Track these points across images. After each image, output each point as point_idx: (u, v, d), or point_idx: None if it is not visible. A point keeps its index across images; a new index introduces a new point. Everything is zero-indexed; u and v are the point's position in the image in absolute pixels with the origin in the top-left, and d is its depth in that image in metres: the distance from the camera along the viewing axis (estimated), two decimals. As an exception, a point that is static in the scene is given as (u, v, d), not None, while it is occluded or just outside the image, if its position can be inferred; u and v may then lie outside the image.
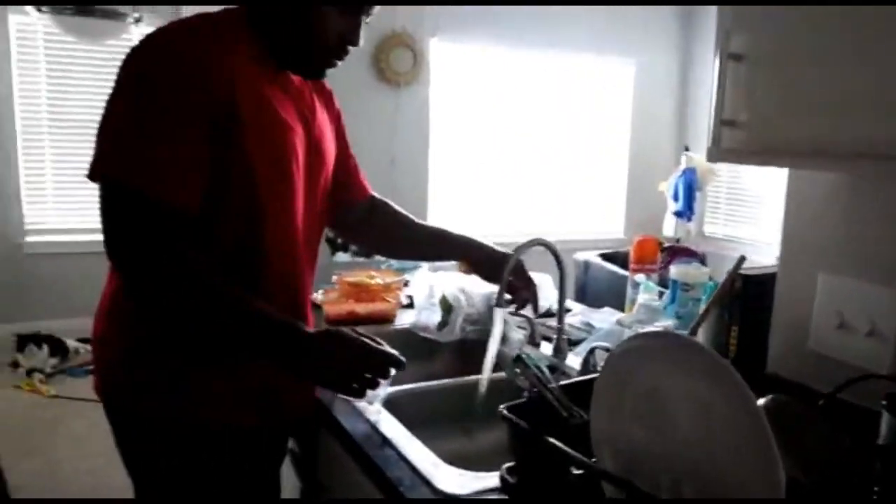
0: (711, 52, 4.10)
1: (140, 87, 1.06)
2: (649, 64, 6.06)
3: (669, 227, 5.77)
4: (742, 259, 1.31)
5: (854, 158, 0.93)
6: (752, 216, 5.88)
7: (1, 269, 4.63)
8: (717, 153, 1.03)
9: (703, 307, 1.69)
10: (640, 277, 1.82)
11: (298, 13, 1.14)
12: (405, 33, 5.04)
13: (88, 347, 4.41)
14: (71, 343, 4.54)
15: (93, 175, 1.08)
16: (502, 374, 1.48)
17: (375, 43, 4.98)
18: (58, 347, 4.48)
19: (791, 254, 1.35)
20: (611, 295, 2.67)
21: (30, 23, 4.35)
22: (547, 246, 1.55)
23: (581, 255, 4.59)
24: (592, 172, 6.19)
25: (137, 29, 3.78)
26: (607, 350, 1.70)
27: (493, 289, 2.09)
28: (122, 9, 3.55)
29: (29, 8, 3.48)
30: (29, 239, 4.76)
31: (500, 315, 1.42)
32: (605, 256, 4.52)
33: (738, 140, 1.02)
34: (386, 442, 1.24)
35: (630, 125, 6.13)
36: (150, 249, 1.05)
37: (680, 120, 6.34)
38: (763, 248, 5.63)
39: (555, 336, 1.71)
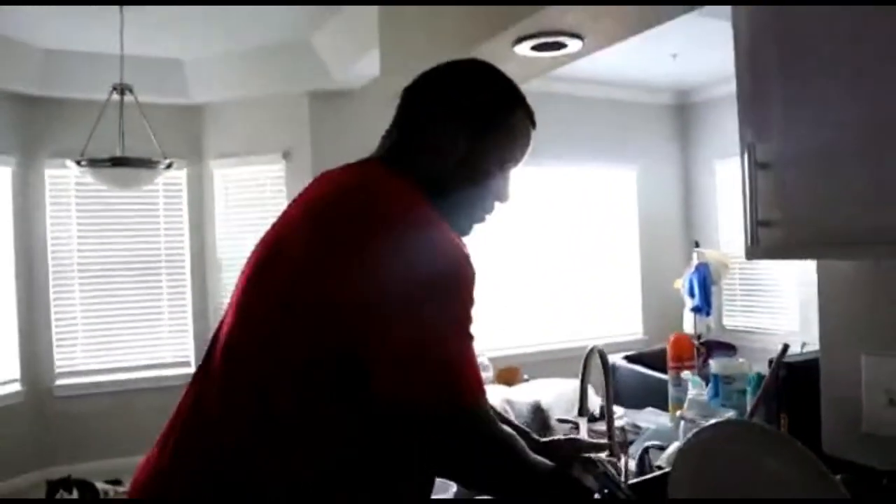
0: (708, 151, 4.28)
1: (460, 293, 0.98)
2: (650, 168, 6.30)
3: (689, 324, 5.78)
4: (786, 347, 1.37)
5: (882, 245, 1.02)
6: (769, 306, 5.91)
7: (32, 416, 4.65)
8: (757, 251, 1.12)
9: (749, 397, 1.74)
10: (686, 374, 1.87)
11: (474, 180, 1.12)
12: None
13: (119, 489, 4.37)
14: (100, 486, 4.49)
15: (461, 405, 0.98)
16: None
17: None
18: (86, 490, 4.43)
19: (831, 338, 1.41)
20: (643, 395, 2.69)
21: (63, 174, 4.61)
22: (600, 353, 1.61)
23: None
24: (607, 277, 6.29)
25: (167, 172, 4.01)
26: (661, 448, 1.73)
27: (536, 398, 2.15)
28: (154, 157, 3.78)
29: (69, 162, 3.70)
30: (59, 382, 4.82)
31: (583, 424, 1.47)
32: (630, 358, 4.56)
33: (774, 238, 1.11)
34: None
35: (638, 228, 6.29)
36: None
37: (686, 218, 6.51)
38: (784, 337, 5.63)
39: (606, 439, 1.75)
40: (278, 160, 4.91)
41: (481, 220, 1.19)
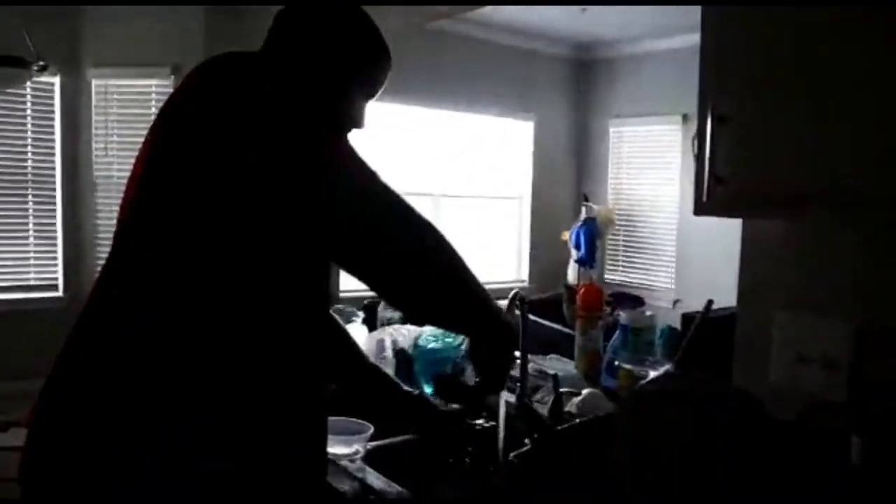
0: (604, 110, 4.38)
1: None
2: (547, 120, 6.38)
3: (572, 275, 6.00)
4: (710, 303, 1.42)
5: (826, 205, 1.06)
6: (648, 263, 6.22)
7: None
8: (709, 207, 1.13)
9: (659, 349, 1.80)
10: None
11: (330, 91, 1.20)
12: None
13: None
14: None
15: None
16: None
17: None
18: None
19: (748, 294, 1.47)
20: (535, 343, 2.74)
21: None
22: (520, 299, 1.60)
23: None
24: (497, 225, 6.38)
25: (38, 77, 3.61)
26: (573, 394, 1.77)
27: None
28: (27, 57, 3.39)
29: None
30: None
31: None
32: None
33: (724, 195, 1.12)
34: (374, 493, 1.25)
35: (531, 179, 6.39)
36: None
37: (578, 172, 6.68)
38: (661, 293, 5.97)
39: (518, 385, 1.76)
40: (167, 75, 4.55)
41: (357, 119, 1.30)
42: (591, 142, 6.59)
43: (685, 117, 5.64)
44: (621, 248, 6.42)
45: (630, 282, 6.27)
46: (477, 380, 1.18)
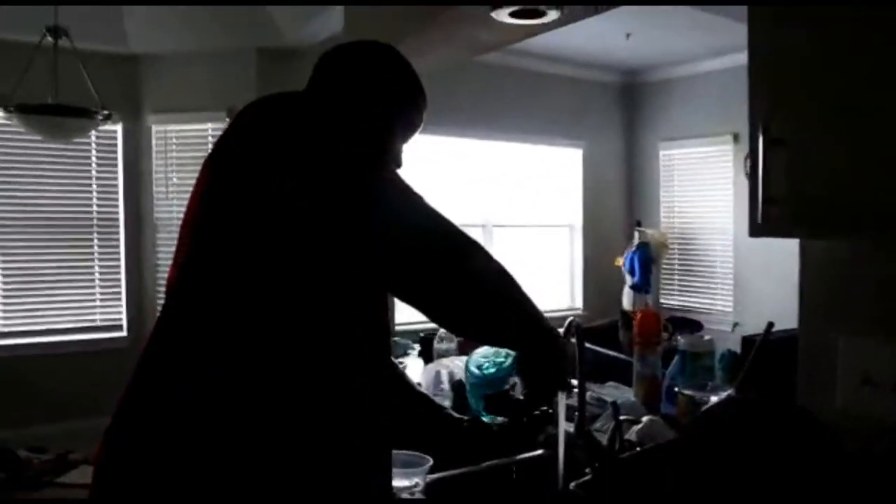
0: (653, 132, 4.36)
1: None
2: (596, 146, 6.36)
3: (627, 301, 5.92)
4: (771, 325, 1.38)
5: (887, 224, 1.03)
6: (704, 287, 6.09)
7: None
8: (762, 229, 1.11)
9: (718, 373, 1.76)
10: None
11: (372, 127, 1.22)
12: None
13: (42, 457, 4.17)
14: (23, 454, 4.27)
15: None
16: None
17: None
18: (7, 458, 4.21)
19: (810, 317, 1.43)
20: (593, 369, 2.70)
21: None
22: (576, 326, 1.60)
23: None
24: (550, 253, 6.36)
25: (102, 125, 3.78)
26: (633, 422, 1.74)
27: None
28: (92, 106, 3.55)
29: (-6, 108, 3.43)
30: (-21, 343, 4.55)
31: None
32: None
33: (777, 216, 1.10)
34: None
35: (581, 206, 6.35)
36: None
37: (629, 197, 6.62)
38: (718, 316, 5.83)
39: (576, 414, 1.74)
40: (222, 118, 4.71)
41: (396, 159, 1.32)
42: (642, 166, 6.53)
43: (736, 137, 5.55)
44: (676, 271, 6.30)
45: (687, 306, 6.14)
46: (525, 392, 1.19)
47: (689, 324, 5.46)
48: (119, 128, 4.78)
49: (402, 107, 1.33)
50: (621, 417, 1.77)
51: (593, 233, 6.35)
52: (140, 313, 4.88)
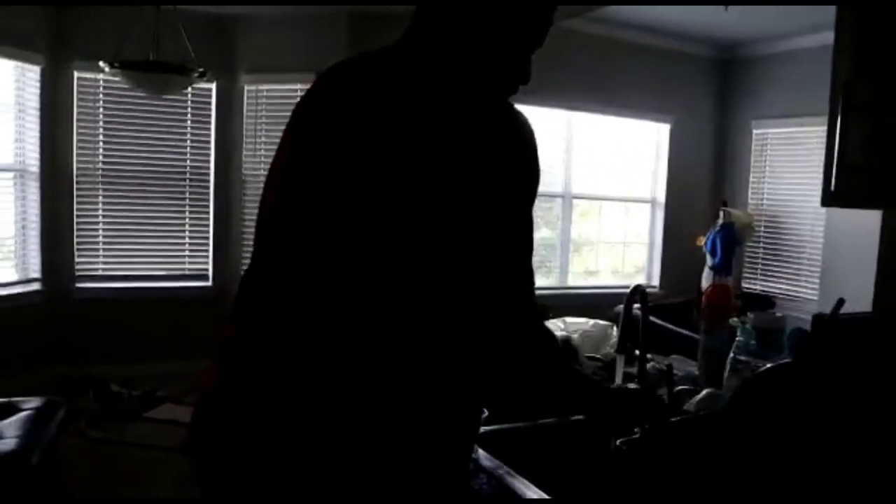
0: (747, 110, 4.21)
1: None
2: (685, 122, 6.17)
3: (707, 282, 5.77)
4: (841, 301, 1.35)
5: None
6: (790, 272, 5.86)
7: (51, 316, 4.72)
8: (836, 198, 1.08)
9: (785, 351, 1.72)
10: (735, 321, 1.85)
11: (483, 55, 1.07)
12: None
13: (133, 392, 4.46)
14: (114, 388, 4.58)
15: None
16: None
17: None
18: (102, 389, 4.52)
19: (886, 290, 1.38)
20: (657, 346, 2.66)
21: (93, 76, 4.56)
22: (642, 292, 1.59)
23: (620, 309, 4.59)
24: (630, 228, 6.27)
25: (197, 83, 3.95)
26: (690, 392, 1.73)
27: (565, 334, 2.15)
28: (189, 64, 3.72)
29: (101, 63, 3.65)
30: (79, 285, 4.87)
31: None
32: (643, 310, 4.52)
33: (857, 184, 1.07)
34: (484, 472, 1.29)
35: (665, 182, 6.20)
36: None
37: (716, 175, 6.41)
38: (802, 304, 5.61)
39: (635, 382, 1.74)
40: (311, 79, 4.82)
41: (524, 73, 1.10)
42: (732, 143, 6.30)
43: (836, 117, 5.28)
44: (761, 255, 6.09)
45: (770, 291, 5.92)
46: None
47: (761, 300, 5.28)
48: (213, 86, 4.98)
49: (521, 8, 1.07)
50: (680, 387, 1.77)
51: (677, 210, 6.20)
52: (225, 265, 5.10)
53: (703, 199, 6.29)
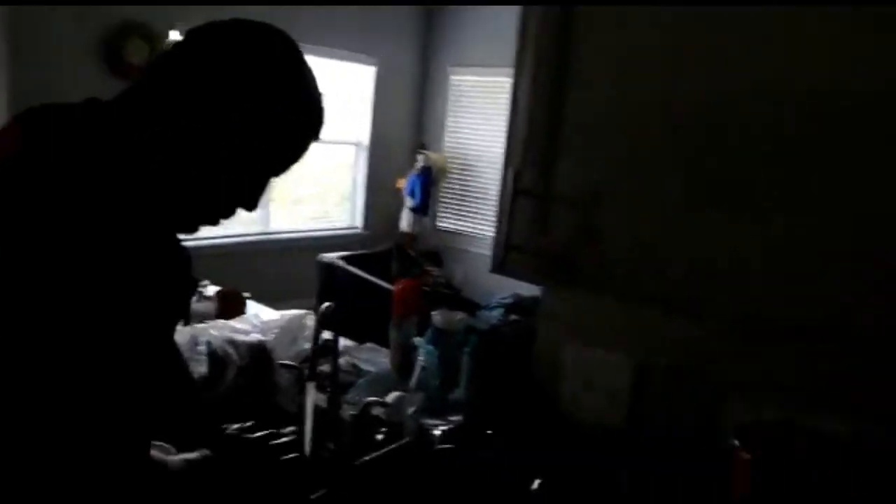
0: (445, 57, 4.40)
1: None
2: (389, 66, 6.23)
3: (406, 223, 6.08)
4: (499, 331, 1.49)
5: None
6: (477, 212, 6.35)
7: None
8: (504, 270, 1.17)
9: (465, 358, 1.87)
10: (418, 340, 1.94)
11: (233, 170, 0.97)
12: (143, 23, 4.54)
13: None
14: None
15: None
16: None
17: (106, 33, 4.42)
18: None
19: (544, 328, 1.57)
20: (363, 307, 2.71)
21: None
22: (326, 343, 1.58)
23: (325, 257, 4.64)
24: (332, 167, 6.26)
25: None
26: (384, 405, 1.79)
27: (258, 336, 2.08)
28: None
29: None
30: None
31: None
32: (350, 259, 4.61)
33: (519, 262, 1.16)
34: None
35: (370, 124, 6.27)
36: None
37: (417, 120, 6.65)
38: (487, 241, 6.18)
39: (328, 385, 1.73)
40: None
41: (213, 220, 0.99)
42: (432, 89, 6.55)
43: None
44: (454, 196, 6.52)
45: (461, 229, 6.41)
46: None
47: (450, 300, 5.70)
48: None
49: (274, 136, 0.99)
50: (368, 399, 1.80)
51: (379, 153, 6.34)
52: None
53: (406, 143, 6.51)
